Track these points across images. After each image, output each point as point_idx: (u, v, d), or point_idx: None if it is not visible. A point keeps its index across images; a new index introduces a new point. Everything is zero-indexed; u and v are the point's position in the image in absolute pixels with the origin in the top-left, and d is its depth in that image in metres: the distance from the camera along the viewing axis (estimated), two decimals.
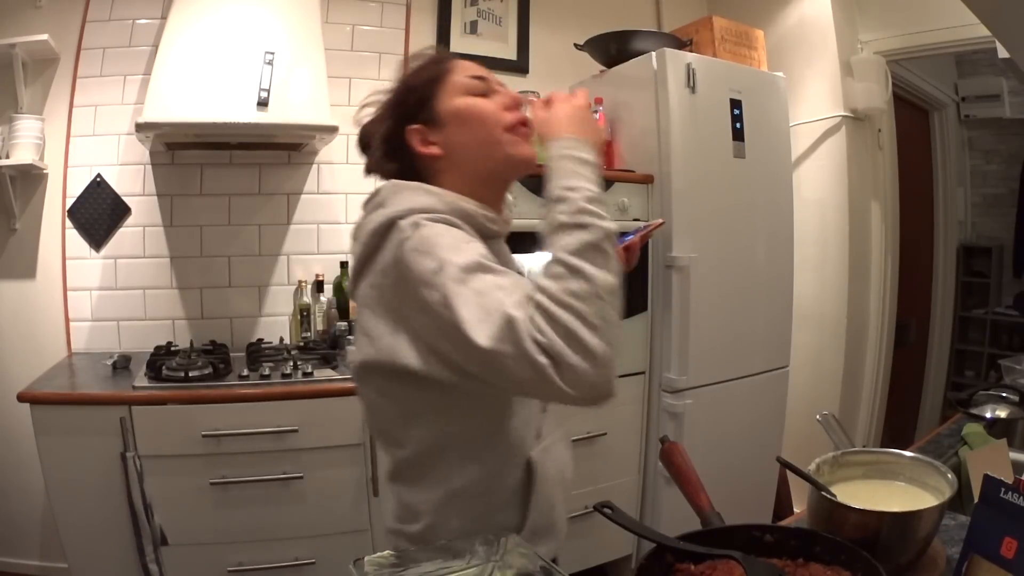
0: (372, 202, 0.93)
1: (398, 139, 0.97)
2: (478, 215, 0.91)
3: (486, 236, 0.91)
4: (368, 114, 1.03)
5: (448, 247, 0.80)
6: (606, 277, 0.74)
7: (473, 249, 0.81)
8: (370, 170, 1.02)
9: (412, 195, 0.90)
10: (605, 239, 0.77)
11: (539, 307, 0.72)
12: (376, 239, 0.86)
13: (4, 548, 2.38)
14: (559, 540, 0.99)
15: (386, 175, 0.98)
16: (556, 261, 0.75)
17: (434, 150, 0.95)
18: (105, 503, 1.86)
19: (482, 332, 0.73)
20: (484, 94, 0.96)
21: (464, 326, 0.74)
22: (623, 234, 1.12)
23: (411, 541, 0.93)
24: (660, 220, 1.21)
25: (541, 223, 0.81)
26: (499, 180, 0.99)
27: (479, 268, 0.78)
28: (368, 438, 2.02)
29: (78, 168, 2.41)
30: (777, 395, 2.62)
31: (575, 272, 0.73)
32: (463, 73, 0.97)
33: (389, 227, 0.85)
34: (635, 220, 2.35)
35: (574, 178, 0.81)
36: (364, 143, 1.04)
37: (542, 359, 0.70)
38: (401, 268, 0.82)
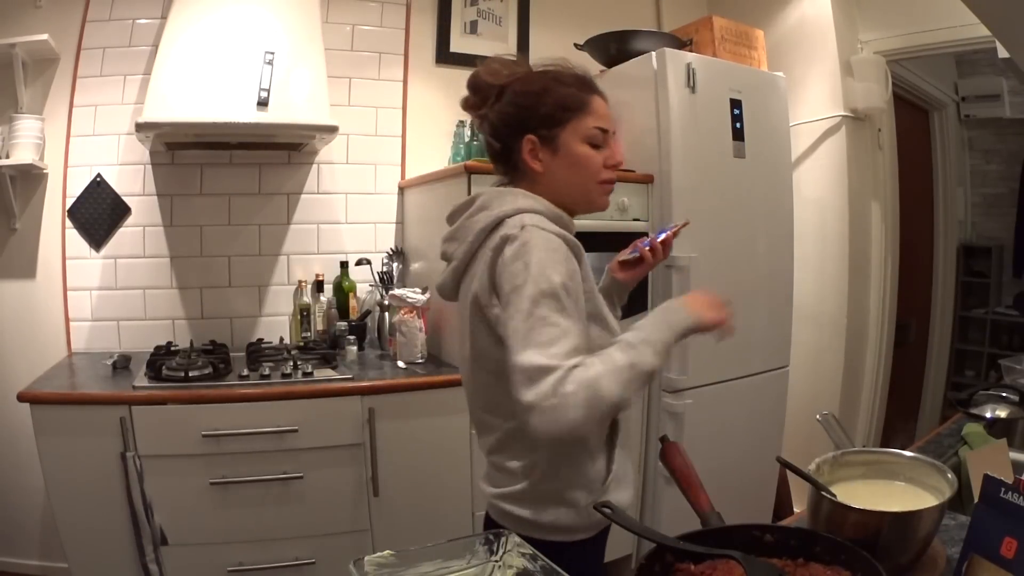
0: (473, 206, 1.09)
1: (513, 133, 1.10)
2: (564, 219, 1.08)
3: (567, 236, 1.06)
4: (497, 69, 1.12)
5: (540, 262, 0.96)
6: (627, 396, 0.94)
7: (562, 271, 0.97)
8: (467, 109, 1.15)
9: (514, 198, 1.06)
10: (649, 376, 0.97)
11: (582, 375, 0.89)
12: (483, 236, 1.04)
13: (4, 548, 2.38)
14: (636, 488, 1.20)
15: (486, 135, 1.14)
16: (624, 364, 0.92)
17: (537, 166, 1.10)
18: (105, 503, 1.86)
19: (521, 354, 0.92)
20: (600, 145, 1.10)
21: (513, 339, 0.94)
22: (660, 230, 1.29)
23: (514, 500, 1.08)
24: (686, 221, 1.33)
25: (634, 330, 1.01)
26: (572, 210, 1.14)
27: (554, 297, 0.94)
28: (368, 438, 2.02)
29: (78, 168, 2.41)
30: (777, 395, 2.62)
31: (624, 378, 0.92)
32: (594, 119, 1.09)
33: (498, 224, 1.03)
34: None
35: (667, 332, 1.01)
36: (477, 87, 1.13)
37: (544, 403, 0.88)
38: (500, 264, 0.99)
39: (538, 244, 0.97)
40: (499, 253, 1.00)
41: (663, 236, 1.28)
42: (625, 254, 1.29)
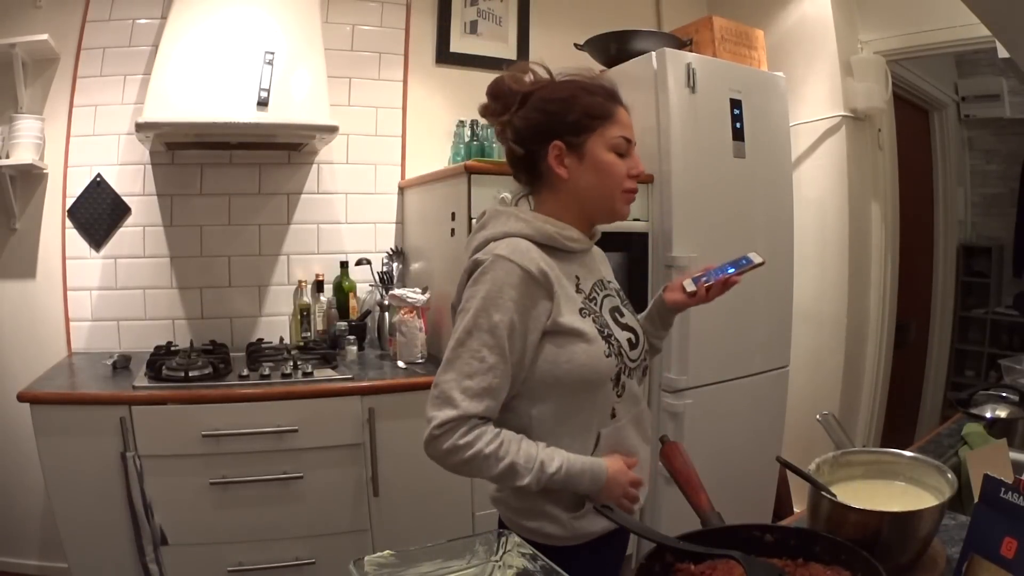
0: (479, 222, 1.15)
1: (539, 140, 1.11)
2: (559, 237, 1.09)
3: (568, 251, 1.11)
4: (521, 76, 1.13)
5: (489, 296, 1.01)
6: (496, 480, 1.05)
7: (508, 307, 1.01)
8: (487, 115, 1.17)
9: (507, 220, 1.10)
10: (517, 486, 1.02)
11: (478, 441, 0.99)
12: (472, 255, 1.08)
13: (4, 548, 2.38)
14: (630, 513, 1.12)
15: (504, 141, 1.15)
16: (511, 462, 1.00)
17: (562, 172, 1.11)
18: (105, 503, 1.86)
19: (443, 374, 1.02)
20: (624, 154, 1.12)
21: (445, 359, 1.03)
22: (731, 265, 1.23)
23: (503, 504, 1.13)
24: (763, 260, 1.22)
25: (557, 452, 1.04)
26: (593, 218, 1.17)
27: (490, 332, 1.00)
28: (368, 438, 2.02)
29: (78, 168, 2.41)
30: (777, 395, 2.62)
31: (499, 471, 1.00)
32: (619, 128, 1.11)
33: (483, 246, 1.08)
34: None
35: (569, 480, 1.03)
36: (499, 94, 1.14)
37: (437, 432, 1.00)
38: (467, 286, 1.05)
39: (496, 277, 1.02)
40: (469, 276, 1.06)
41: (729, 274, 1.21)
42: (688, 280, 1.26)
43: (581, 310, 1.09)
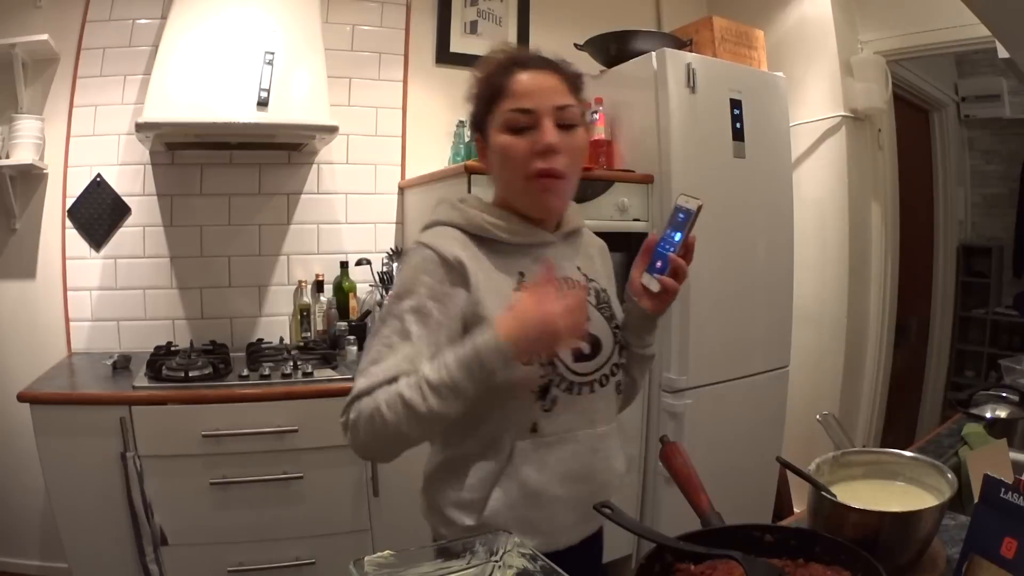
0: None
1: (472, 135, 1.09)
2: (491, 228, 1.01)
3: (509, 243, 1.02)
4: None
5: (403, 283, 0.97)
6: (407, 430, 0.92)
7: (422, 292, 0.95)
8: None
9: (444, 210, 1.04)
10: (428, 415, 0.90)
11: (366, 405, 0.92)
12: None
13: (4, 548, 2.38)
14: (550, 537, 1.01)
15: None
16: (397, 393, 0.90)
17: (484, 163, 1.07)
18: (105, 503, 1.86)
19: (360, 365, 0.97)
20: (525, 128, 0.98)
21: (366, 349, 0.99)
22: (671, 231, 1.02)
23: (424, 508, 1.07)
24: (699, 203, 1.00)
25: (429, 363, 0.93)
26: (522, 211, 1.04)
27: (399, 318, 0.95)
28: None
29: (78, 168, 2.41)
30: (777, 395, 2.62)
31: (393, 409, 0.90)
32: (512, 100, 0.98)
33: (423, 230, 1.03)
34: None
35: (460, 367, 0.90)
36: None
37: (347, 414, 0.95)
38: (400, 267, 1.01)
39: (413, 263, 0.98)
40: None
41: (678, 242, 1.01)
42: (646, 276, 1.04)
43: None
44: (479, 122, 1.05)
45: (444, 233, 1.00)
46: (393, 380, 0.92)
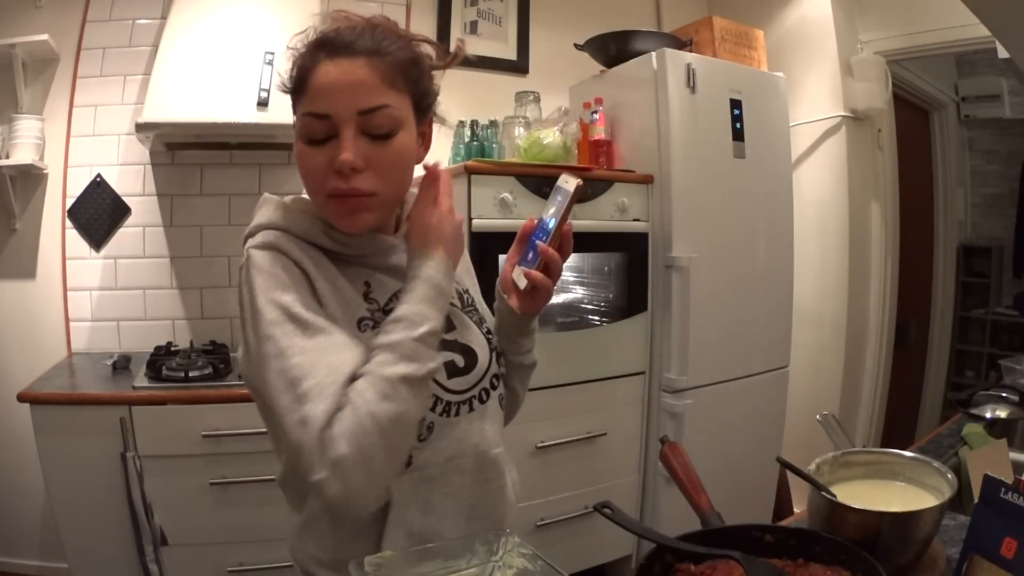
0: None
1: None
2: (321, 235, 0.82)
3: (345, 254, 0.84)
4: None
5: (265, 288, 0.75)
6: (416, 411, 0.74)
7: (291, 286, 0.76)
8: None
9: (266, 209, 0.83)
10: (428, 376, 0.76)
11: (348, 424, 0.69)
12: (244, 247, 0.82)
13: (4, 548, 2.38)
14: None
15: None
16: (382, 379, 0.71)
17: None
18: (105, 503, 1.86)
19: (275, 401, 0.72)
20: (324, 138, 0.78)
21: (264, 383, 0.73)
22: (544, 219, 0.88)
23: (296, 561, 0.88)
24: (577, 182, 0.85)
25: (381, 334, 0.76)
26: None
27: (289, 320, 0.74)
28: None
29: (78, 168, 2.41)
30: (777, 395, 2.62)
31: (392, 396, 0.71)
32: (308, 101, 0.79)
33: (245, 241, 0.81)
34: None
35: (426, 305, 0.77)
36: None
37: (328, 456, 0.68)
38: (239, 291, 0.79)
39: (259, 266, 0.77)
40: (239, 288, 0.79)
41: (551, 229, 0.86)
42: (517, 271, 0.90)
43: (362, 321, 0.82)
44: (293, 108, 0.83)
45: (273, 236, 0.80)
46: (353, 377, 0.72)
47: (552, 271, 0.87)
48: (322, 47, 0.79)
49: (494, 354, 0.93)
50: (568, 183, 0.86)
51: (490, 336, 0.94)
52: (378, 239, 0.87)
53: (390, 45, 0.81)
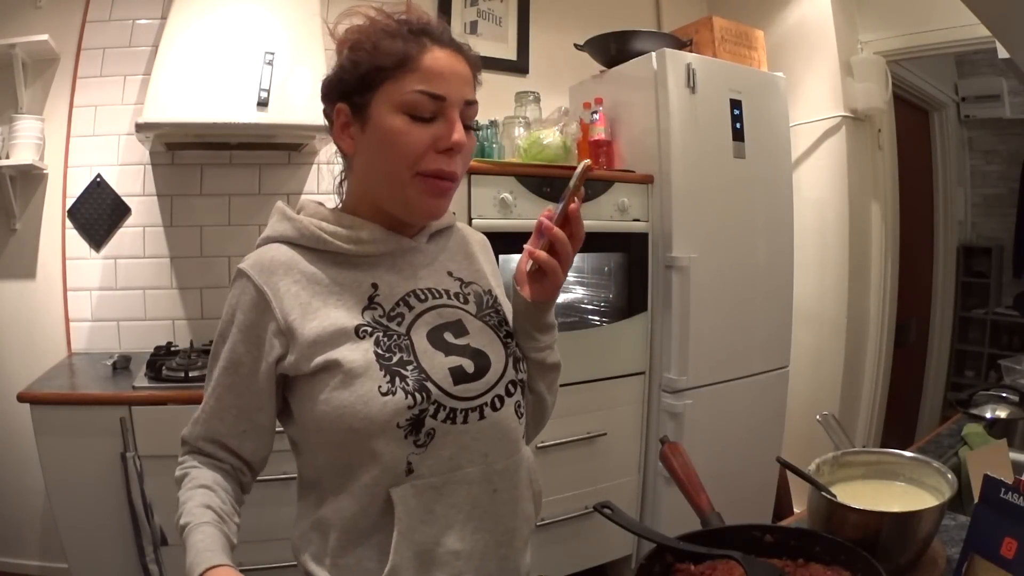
0: None
1: (330, 103, 0.86)
2: (330, 240, 0.84)
3: (357, 255, 0.85)
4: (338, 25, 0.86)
5: (225, 319, 0.86)
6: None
7: (233, 333, 0.84)
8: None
9: (273, 220, 0.89)
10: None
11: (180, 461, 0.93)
12: None
13: (4, 548, 2.38)
14: None
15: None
16: (182, 496, 0.93)
17: (346, 144, 0.86)
18: (105, 503, 1.86)
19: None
20: (429, 117, 0.80)
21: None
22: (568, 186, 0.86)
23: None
24: (586, 163, 0.85)
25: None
26: (386, 210, 0.86)
27: (214, 365, 0.87)
28: None
29: (78, 168, 2.41)
30: (777, 395, 2.62)
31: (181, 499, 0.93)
32: (418, 79, 0.79)
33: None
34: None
35: (185, 543, 0.93)
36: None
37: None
38: None
39: (232, 297, 0.85)
40: None
41: (560, 208, 0.85)
42: (526, 251, 0.89)
43: (360, 328, 0.81)
44: (353, 91, 0.82)
45: (269, 252, 0.84)
46: (206, 444, 0.92)
47: (559, 252, 0.85)
48: (424, 33, 0.82)
49: (511, 360, 0.89)
50: (578, 166, 0.85)
51: (508, 340, 0.91)
52: (393, 239, 0.87)
53: (469, 49, 0.87)
